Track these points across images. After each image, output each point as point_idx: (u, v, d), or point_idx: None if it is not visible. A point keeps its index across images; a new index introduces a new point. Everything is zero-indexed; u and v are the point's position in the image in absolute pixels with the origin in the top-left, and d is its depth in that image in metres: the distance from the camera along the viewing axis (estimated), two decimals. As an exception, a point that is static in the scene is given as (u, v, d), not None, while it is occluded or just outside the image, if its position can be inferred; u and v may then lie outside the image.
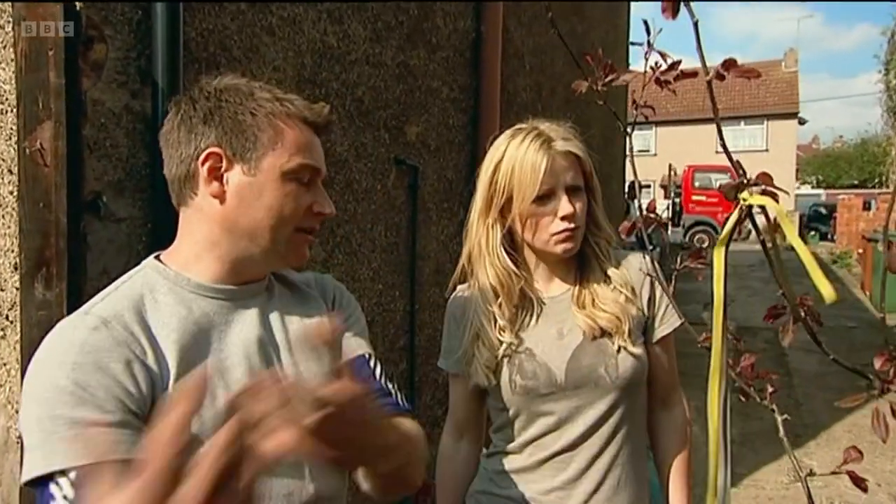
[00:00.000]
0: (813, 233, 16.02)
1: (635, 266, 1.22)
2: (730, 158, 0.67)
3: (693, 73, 0.74)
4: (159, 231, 1.59)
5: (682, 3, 0.60)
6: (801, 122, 25.65)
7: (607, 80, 0.98)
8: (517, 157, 1.14)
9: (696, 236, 15.37)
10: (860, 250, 10.22)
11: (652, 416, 1.27)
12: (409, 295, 2.74)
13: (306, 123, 0.87)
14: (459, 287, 1.30)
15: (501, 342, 1.18)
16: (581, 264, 1.23)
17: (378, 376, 0.99)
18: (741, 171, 0.66)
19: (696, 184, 16.01)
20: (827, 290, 0.59)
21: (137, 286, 0.83)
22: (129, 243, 1.56)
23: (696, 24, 0.62)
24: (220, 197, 0.84)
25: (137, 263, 0.91)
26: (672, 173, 15.59)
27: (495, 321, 1.19)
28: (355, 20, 2.35)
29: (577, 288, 1.21)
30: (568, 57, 4.74)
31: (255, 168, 0.84)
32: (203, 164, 0.83)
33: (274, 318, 0.91)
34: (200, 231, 0.85)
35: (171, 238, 0.91)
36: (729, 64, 0.63)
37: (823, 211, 21.49)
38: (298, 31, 2.08)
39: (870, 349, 5.67)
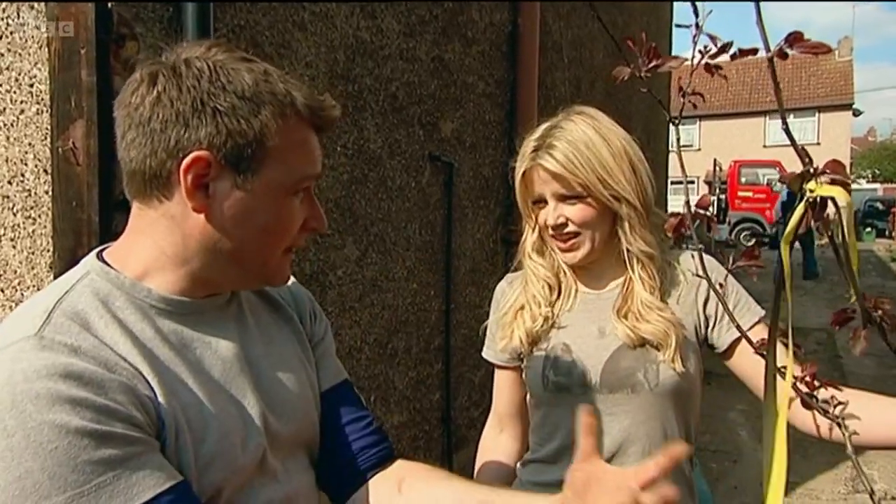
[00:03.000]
0: (869, 229, 15.41)
1: (687, 269, 1.15)
2: (793, 143, 0.60)
3: (753, 51, 0.68)
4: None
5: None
6: (856, 113, 24.72)
7: (651, 65, 0.91)
8: (517, 169, 1.19)
9: (743, 234, 14.98)
10: (922, 248, 9.76)
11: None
12: (444, 294, 2.71)
13: (310, 123, 0.75)
14: (507, 275, 1.32)
15: (541, 315, 1.18)
16: (628, 263, 1.17)
17: (364, 405, 0.93)
18: (808, 160, 0.59)
19: (743, 179, 15.63)
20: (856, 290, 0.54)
21: (86, 296, 0.68)
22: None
23: (757, 5, 0.56)
24: (204, 211, 0.70)
25: None
26: (717, 168, 15.22)
27: (543, 306, 1.19)
28: (389, 14, 2.32)
29: (619, 296, 1.16)
30: (608, 49, 4.63)
31: (251, 182, 0.70)
32: (186, 170, 0.68)
33: (249, 332, 0.81)
34: (169, 241, 0.72)
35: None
36: (795, 38, 0.57)
37: (880, 206, 20.69)
38: (331, 27, 2.07)
39: (934, 353, 5.42)
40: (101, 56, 1.47)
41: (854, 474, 3.58)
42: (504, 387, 1.30)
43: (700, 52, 0.86)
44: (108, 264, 0.73)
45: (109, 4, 1.48)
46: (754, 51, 0.66)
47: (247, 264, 0.75)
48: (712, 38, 0.86)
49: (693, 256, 1.08)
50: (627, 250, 1.14)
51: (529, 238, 1.23)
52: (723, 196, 15.22)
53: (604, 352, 1.13)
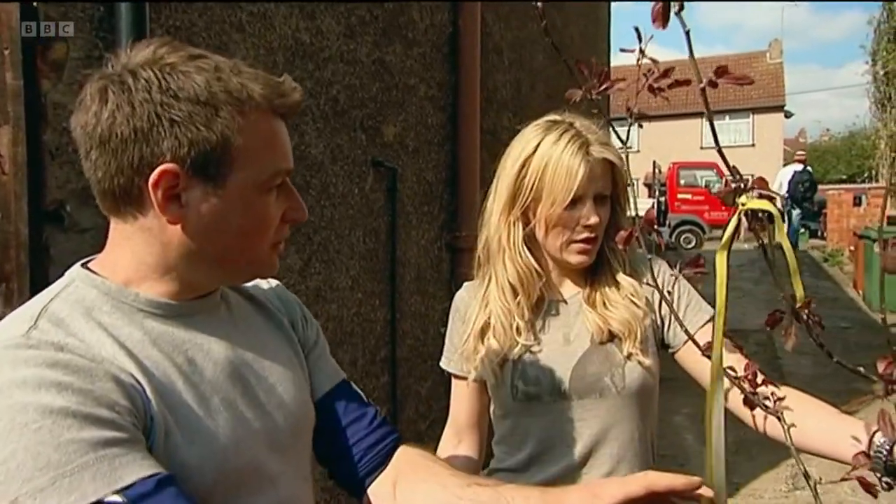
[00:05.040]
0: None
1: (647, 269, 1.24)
2: (725, 162, 0.71)
3: (686, 82, 0.78)
4: (127, 241, 1.59)
5: (671, 13, 0.64)
6: (788, 115, 26.24)
7: (602, 88, 1.01)
8: (552, 157, 1.13)
9: (683, 236, 15.61)
10: (851, 247, 10.47)
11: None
12: (389, 304, 2.76)
13: (273, 113, 0.76)
14: (466, 283, 1.31)
15: (517, 342, 1.19)
16: (595, 269, 1.24)
17: (365, 400, 0.96)
18: (738, 176, 0.70)
19: (682, 181, 16.27)
20: (799, 293, 0.65)
21: (71, 304, 0.71)
22: (94, 255, 1.56)
23: (688, 34, 0.66)
24: (179, 222, 0.73)
25: None
26: (656, 171, 15.84)
27: (513, 319, 1.20)
28: (328, 15, 2.37)
29: (587, 290, 1.22)
30: (548, 52, 4.80)
31: (222, 187, 0.72)
32: (155, 186, 0.70)
33: (240, 334, 0.84)
34: (149, 252, 0.74)
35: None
36: (721, 71, 0.67)
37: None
38: (269, 28, 2.10)
39: (865, 350, 5.79)
40: (27, 58, 1.46)
41: (794, 472, 3.84)
42: (464, 397, 1.30)
43: (644, 75, 0.96)
44: (94, 272, 0.75)
45: (35, 3, 1.47)
46: (688, 82, 0.76)
47: (232, 266, 0.79)
48: (654, 62, 0.96)
49: (647, 258, 1.15)
50: (609, 246, 1.21)
51: (516, 236, 1.19)
52: (662, 199, 15.84)
53: (571, 358, 1.18)
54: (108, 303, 0.73)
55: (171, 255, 0.75)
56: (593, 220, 1.15)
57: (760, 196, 0.65)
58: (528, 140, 1.18)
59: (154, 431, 0.68)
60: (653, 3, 0.68)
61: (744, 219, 0.68)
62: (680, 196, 16.12)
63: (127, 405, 0.66)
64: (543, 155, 1.14)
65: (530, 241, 1.21)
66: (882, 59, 15.64)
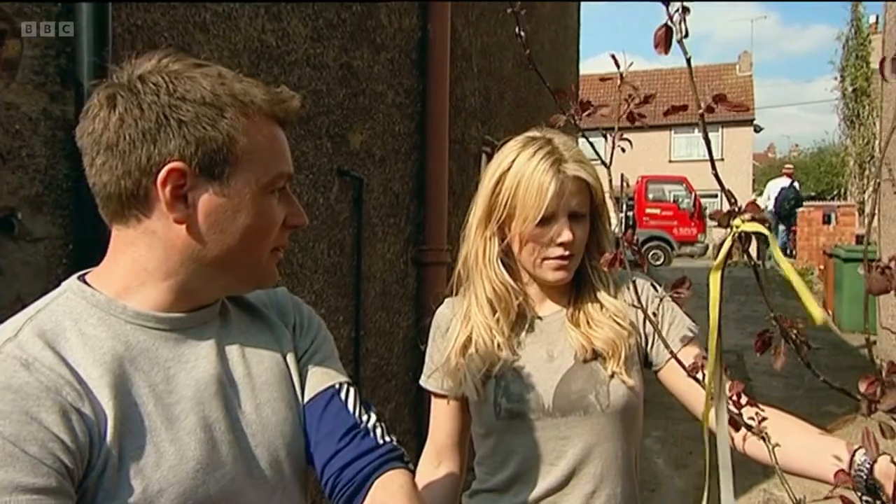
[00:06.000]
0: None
1: (632, 288, 1.29)
2: (723, 189, 0.77)
3: (684, 107, 0.84)
4: (83, 252, 1.58)
5: (675, 41, 0.70)
6: (757, 129, 27.17)
7: (585, 114, 1.06)
8: (524, 174, 1.19)
9: (651, 252, 15.92)
10: (821, 266, 10.83)
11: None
12: (353, 320, 2.78)
13: (273, 118, 0.83)
14: (447, 300, 1.35)
15: (499, 358, 1.23)
16: (577, 286, 1.29)
17: (352, 409, 0.92)
18: (733, 200, 0.76)
19: (650, 196, 16.62)
20: (817, 313, 0.69)
21: (58, 315, 0.76)
22: (47, 266, 1.55)
23: (688, 61, 0.72)
24: (185, 222, 0.78)
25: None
26: (624, 184, 16.15)
27: (493, 336, 1.24)
28: (295, 17, 2.40)
29: (570, 309, 1.27)
30: (517, 59, 4.91)
31: (228, 186, 0.78)
32: (163, 184, 0.75)
33: (232, 350, 0.86)
34: (151, 258, 0.79)
35: (98, 260, 0.85)
36: (719, 98, 0.73)
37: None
38: (234, 29, 2.12)
39: (836, 371, 5.99)
40: (-21, 56, 1.46)
41: (766, 497, 3.97)
42: (445, 416, 1.33)
43: (625, 100, 1.03)
44: (88, 285, 0.79)
45: (-11, -2, 1.48)
46: (685, 107, 0.83)
47: (235, 269, 0.83)
48: (635, 88, 1.03)
49: (631, 279, 1.17)
50: (591, 264, 1.26)
51: (491, 253, 1.24)
52: (630, 213, 16.15)
53: (555, 375, 1.23)
54: (96, 315, 0.77)
55: (172, 259, 0.79)
56: (565, 237, 1.19)
57: (754, 220, 0.72)
58: (505, 156, 1.24)
59: (106, 460, 0.71)
60: (655, 29, 0.73)
61: (738, 241, 0.74)
62: (648, 211, 16.42)
63: (66, 441, 0.68)
64: (517, 171, 1.20)
65: (508, 256, 1.27)
66: (850, 75, 16.36)
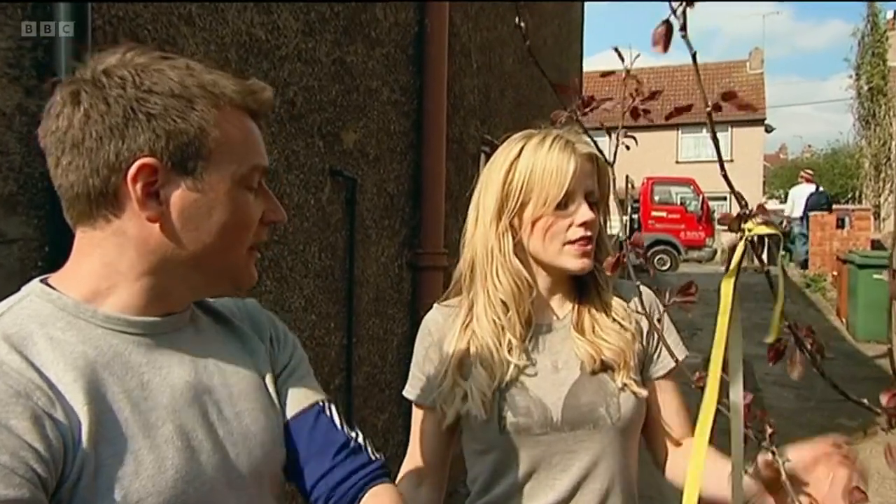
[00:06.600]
0: (784, 253, 16.89)
1: (633, 296, 1.26)
2: (733, 191, 0.76)
3: (688, 107, 0.83)
4: (59, 254, 1.56)
5: (680, 34, 0.69)
6: (768, 129, 27.20)
7: (587, 110, 1.05)
8: (538, 157, 1.19)
9: (657, 257, 15.91)
10: (834, 272, 10.82)
11: (674, 466, 1.29)
12: (345, 327, 2.77)
13: (246, 110, 0.82)
14: (436, 306, 1.32)
15: (509, 363, 1.20)
16: (579, 290, 1.27)
17: (340, 426, 0.95)
18: (744, 202, 0.75)
19: (656, 198, 16.63)
20: (774, 329, 0.70)
21: (22, 319, 0.74)
22: (21, 269, 1.54)
23: (694, 56, 0.71)
24: (158, 220, 0.77)
25: None
26: (629, 186, 16.15)
27: (504, 337, 1.21)
28: (286, 10, 2.39)
29: (575, 315, 1.25)
30: (518, 55, 4.91)
31: (201, 181, 0.78)
32: (134, 180, 0.74)
33: (207, 358, 0.85)
34: (122, 259, 0.78)
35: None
36: (728, 96, 0.72)
37: (795, 229, 22.69)
38: (221, 22, 2.11)
39: (850, 382, 5.96)
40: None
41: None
42: (429, 432, 1.29)
43: (630, 95, 1.02)
44: (53, 288, 0.78)
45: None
46: (689, 107, 0.81)
47: (211, 269, 0.81)
48: (639, 83, 1.02)
49: (637, 288, 1.16)
50: (596, 267, 1.24)
51: (507, 247, 1.21)
52: (635, 216, 16.15)
53: (561, 387, 1.20)
54: (64, 319, 0.76)
55: (145, 260, 0.78)
56: (586, 216, 1.18)
57: (764, 223, 0.70)
58: (510, 148, 1.23)
59: (81, 469, 0.69)
60: (654, 28, 0.72)
61: (749, 246, 0.73)
62: (654, 213, 16.42)
63: (39, 449, 0.67)
64: (529, 156, 1.20)
65: (519, 254, 1.24)
66: (866, 73, 16.39)
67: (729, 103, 0.69)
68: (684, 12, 0.64)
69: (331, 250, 2.67)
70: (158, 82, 0.76)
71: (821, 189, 14.45)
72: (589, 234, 1.20)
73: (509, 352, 1.21)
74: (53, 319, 0.75)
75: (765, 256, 0.81)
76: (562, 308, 1.28)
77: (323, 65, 2.60)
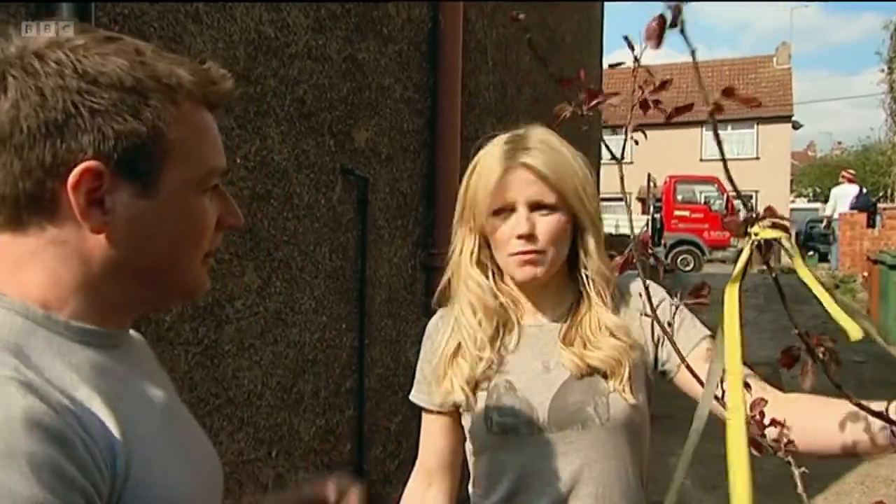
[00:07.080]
0: (811, 253, 16.65)
1: (636, 296, 1.26)
2: (732, 184, 0.73)
3: (688, 107, 0.80)
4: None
5: (678, 30, 0.66)
6: (796, 126, 26.84)
7: (593, 104, 1.03)
8: (482, 164, 1.23)
9: (680, 257, 15.79)
10: (865, 273, 10.66)
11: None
12: (357, 328, 2.76)
13: (203, 103, 0.74)
14: (440, 310, 1.36)
15: (481, 359, 1.23)
16: (574, 294, 1.27)
17: None
18: (749, 205, 0.73)
19: (679, 197, 16.51)
20: (852, 328, 0.65)
21: (7, 329, 0.65)
22: None
23: (693, 53, 0.68)
24: (104, 231, 0.68)
25: None
26: (651, 185, 16.04)
27: (476, 337, 1.24)
28: (295, 7, 2.38)
29: (564, 326, 1.25)
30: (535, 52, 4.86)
31: (153, 187, 0.69)
32: (75, 187, 0.65)
33: (153, 369, 0.82)
34: (66, 270, 0.69)
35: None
36: (728, 92, 0.69)
37: (822, 228, 22.43)
38: (229, 19, 2.11)
39: (882, 387, 5.83)
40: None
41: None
42: (436, 434, 1.33)
43: (640, 87, 0.99)
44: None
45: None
46: (690, 107, 0.79)
47: (165, 281, 0.75)
48: (650, 73, 0.99)
49: (644, 284, 1.13)
50: (585, 273, 1.24)
51: (467, 252, 1.26)
52: (658, 215, 16.04)
53: (550, 387, 1.21)
54: (41, 333, 0.68)
55: (94, 272, 0.70)
56: (520, 228, 1.18)
57: (774, 226, 0.68)
58: (477, 152, 1.28)
59: (122, 491, 0.64)
60: (648, 22, 0.70)
61: (755, 251, 0.70)
62: (677, 213, 16.32)
63: (101, 484, 0.62)
64: (476, 165, 1.25)
65: (487, 259, 1.29)
66: (898, 67, 16.12)
67: (729, 100, 0.66)
68: (679, 8, 0.62)
69: (342, 251, 2.66)
70: (104, 71, 0.66)
71: (864, 190, 14.28)
72: (529, 247, 1.19)
73: (481, 349, 1.23)
74: (32, 334, 0.67)
75: (772, 261, 0.78)
76: (553, 311, 1.28)
77: (334, 62, 2.59)
